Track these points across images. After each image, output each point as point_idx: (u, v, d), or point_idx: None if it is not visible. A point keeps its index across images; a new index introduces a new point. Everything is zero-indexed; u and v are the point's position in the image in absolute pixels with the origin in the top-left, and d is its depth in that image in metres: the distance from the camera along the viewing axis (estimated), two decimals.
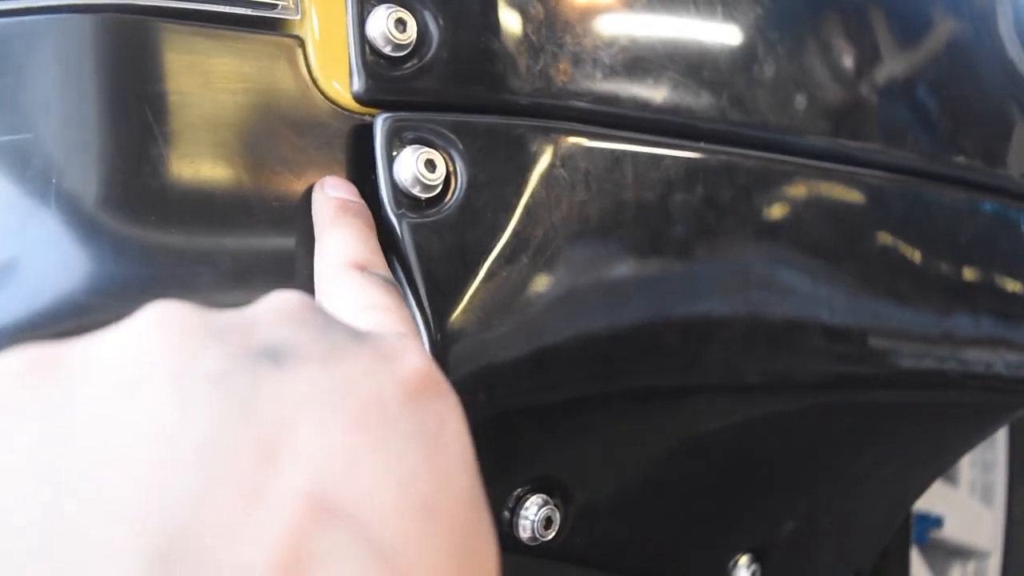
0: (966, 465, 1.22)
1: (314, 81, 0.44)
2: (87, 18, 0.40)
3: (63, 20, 0.40)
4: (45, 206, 0.38)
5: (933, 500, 1.17)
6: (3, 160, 0.40)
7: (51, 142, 0.39)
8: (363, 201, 0.43)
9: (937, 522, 1.17)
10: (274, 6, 0.44)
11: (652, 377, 0.53)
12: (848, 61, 0.63)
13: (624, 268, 0.50)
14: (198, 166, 0.40)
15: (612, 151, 0.50)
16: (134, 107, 0.39)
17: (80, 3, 0.40)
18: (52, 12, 0.40)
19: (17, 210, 0.38)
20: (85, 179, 0.38)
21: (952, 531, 1.19)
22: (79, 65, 0.40)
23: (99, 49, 0.40)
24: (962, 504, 1.21)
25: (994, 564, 1.22)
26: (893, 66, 0.66)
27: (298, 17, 0.44)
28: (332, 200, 0.42)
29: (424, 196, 0.44)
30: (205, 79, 0.41)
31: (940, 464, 0.82)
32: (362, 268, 0.38)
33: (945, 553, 1.23)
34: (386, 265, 0.40)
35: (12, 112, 0.40)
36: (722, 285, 0.55)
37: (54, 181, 0.38)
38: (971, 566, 1.24)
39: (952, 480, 1.22)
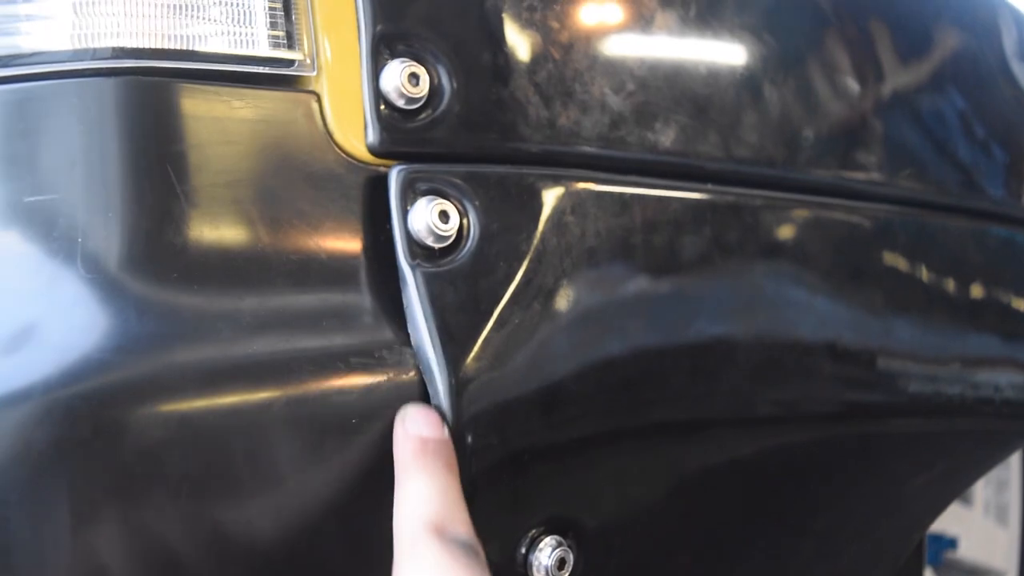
0: (980, 485, 1.22)
1: (330, 135, 0.46)
2: (110, 81, 0.41)
3: (86, 84, 0.41)
4: (71, 266, 0.39)
5: (947, 521, 1.17)
6: (29, 221, 0.41)
7: (76, 203, 0.40)
8: (444, 435, 0.42)
9: (952, 543, 1.17)
10: (291, 63, 0.45)
11: (662, 414, 0.53)
12: (853, 97, 0.64)
13: (634, 310, 0.51)
14: (218, 223, 0.41)
15: (621, 195, 0.51)
16: (156, 167, 0.41)
17: (103, 67, 0.41)
18: (76, 76, 0.41)
19: (43, 270, 0.39)
20: (109, 239, 0.40)
21: (967, 552, 1.19)
22: (102, 127, 0.41)
23: (122, 111, 0.41)
24: (977, 524, 1.21)
25: None
26: (897, 101, 0.67)
27: (314, 73, 0.45)
28: (412, 439, 0.41)
29: (438, 246, 0.45)
30: (225, 137, 0.43)
31: (953, 489, 0.82)
32: (442, 531, 0.39)
33: (960, 574, 1.23)
34: (467, 519, 0.41)
35: (37, 173, 0.41)
36: (730, 323, 0.55)
37: (79, 241, 0.39)
38: None
39: (967, 501, 1.22)
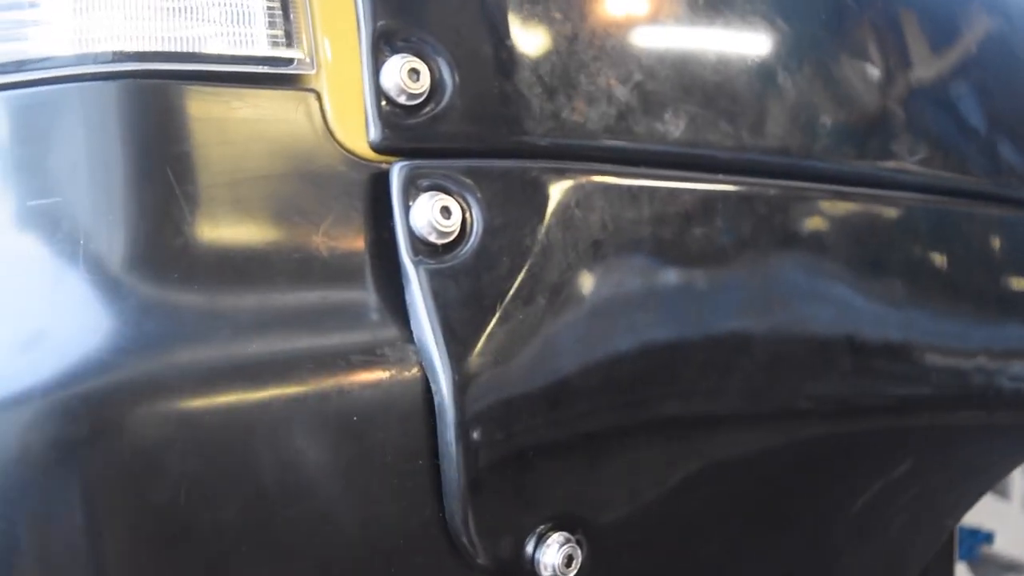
0: (1018, 479, 1.20)
1: (331, 132, 0.45)
2: (110, 85, 0.41)
3: (88, 88, 0.42)
4: (74, 268, 0.39)
5: (984, 515, 1.15)
6: (33, 224, 0.41)
7: (78, 206, 0.41)
8: None
9: (988, 538, 1.15)
10: (290, 62, 0.45)
11: (672, 410, 0.53)
12: (872, 82, 0.62)
13: (642, 303, 0.50)
14: (218, 223, 0.41)
15: (628, 188, 0.50)
16: (157, 169, 0.41)
17: (103, 71, 0.41)
18: (78, 80, 0.42)
19: (47, 272, 0.40)
20: (111, 241, 0.40)
21: (1003, 547, 1.16)
22: (103, 131, 0.41)
23: (122, 115, 0.41)
24: (1014, 519, 1.18)
25: None
26: (919, 86, 0.65)
27: (314, 71, 0.45)
28: None
29: (441, 242, 0.45)
30: (225, 137, 0.43)
31: (983, 483, 0.80)
32: None
33: (996, 568, 1.20)
34: None
35: (42, 177, 0.42)
36: (742, 315, 0.54)
37: (82, 243, 0.40)
38: None
39: (1003, 494, 1.19)
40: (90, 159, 0.41)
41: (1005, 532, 1.16)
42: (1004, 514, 1.17)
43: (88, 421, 0.36)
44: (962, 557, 1.08)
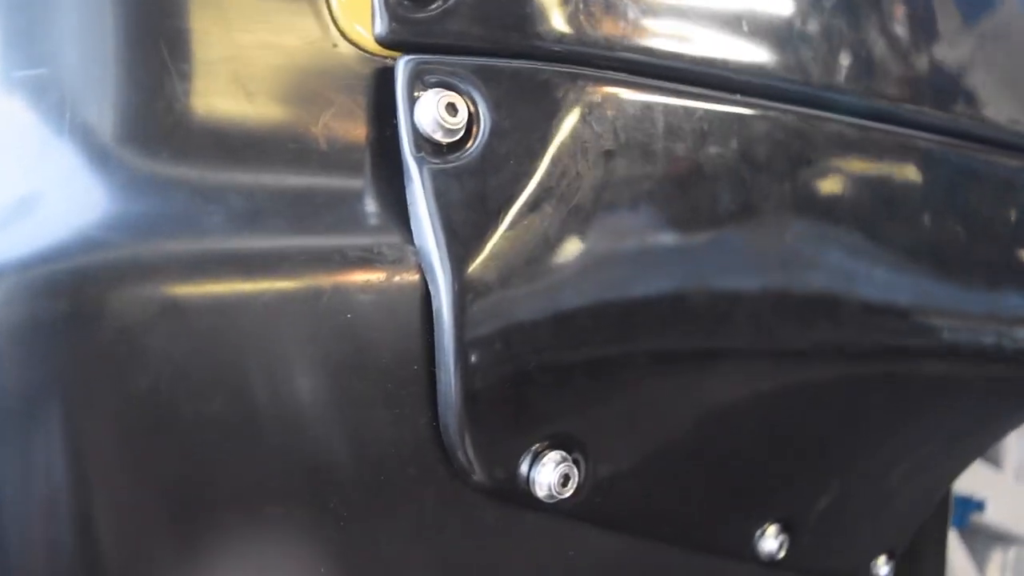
0: (1012, 447, 1.19)
1: (336, 23, 0.43)
2: None
3: None
4: (59, 139, 0.37)
5: (976, 483, 1.14)
6: (21, 95, 0.39)
7: (67, 76, 0.38)
8: None
9: (979, 506, 1.14)
10: None
11: (678, 339, 0.51)
12: (897, 17, 0.60)
13: (651, 224, 0.49)
14: (212, 103, 0.39)
15: (643, 101, 0.48)
16: (150, 42, 0.39)
17: None
18: None
19: (33, 144, 0.38)
20: (99, 113, 0.38)
21: (994, 516, 1.16)
22: (96, 1, 0.39)
23: None
24: (1006, 488, 1.17)
25: None
26: (945, 22, 0.63)
27: None
28: None
29: (445, 141, 0.43)
30: (224, 18, 0.40)
31: (981, 441, 0.79)
32: None
33: (986, 538, 1.20)
34: None
35: (30, 47, 0.39)
36: (754, 247, 0.53)
37: (67, 116, 0.38)
38: (1012, 552, 1.20)
39: (996, 463, 1.18)
40: (82, 29, 0.39)
41: (997, 501, 1.15)
42: (997, 483, 1.17)
43: (71, 298, 0.34)
44: (954, 524, 1.07)
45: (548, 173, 0.45)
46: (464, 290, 0.42)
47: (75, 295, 0.34)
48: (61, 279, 0.34)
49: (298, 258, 0.39)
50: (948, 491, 0.92)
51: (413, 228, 0.42)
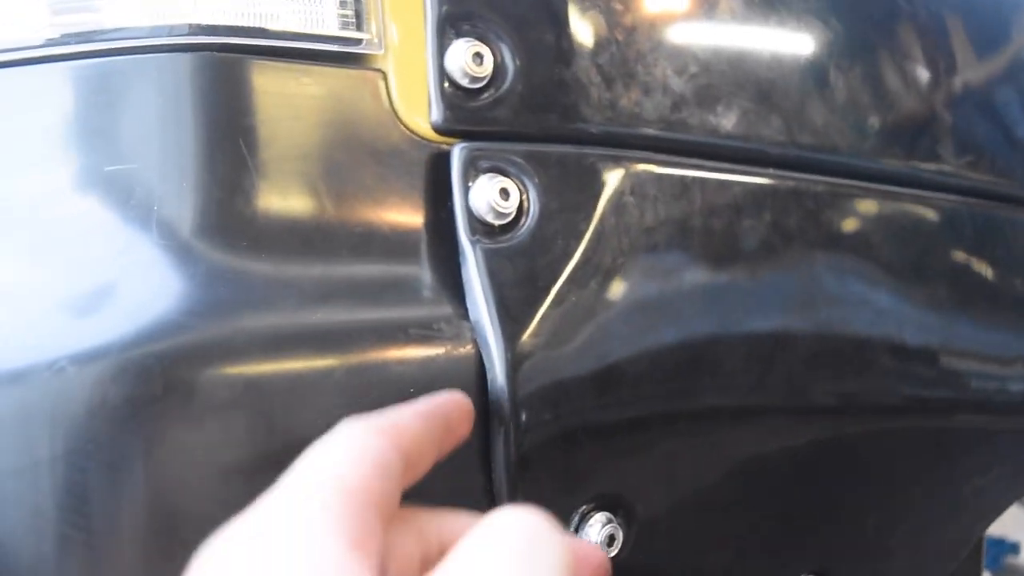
0: None
1: (395, 112, 0.47)
2: (187, 57, 0.43)
3: (164, 59, 0.43)
4: (146, 232, 0.41)
5: (1010, 525, 1.14)
6: (109, 188, 0.43)
7: (152, 173, 0.42)
8: None
9: (1013, 548, 1.15)
10: (359, 42, 0.46)
11: (717, 398, 0.53)
12: (920, 85, 0.63)
13: (690, 292, 0.51)
14: (286, 195, 0.43)
15: (681, 178, 0.51)
16: (229, 140, 0.42)
17: (179, 43, 0.43)
18: (154, 51, 0.43)
19: (120, 236, 0.41)
20: (183, 208, 0.41)
21: None
22: (179, 100, 0.43)
23: (197, 86, 0.42)
24: None
25: None
26: (968, 88, 0.66)
27: (381, 52, 0.46)
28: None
29: (498, 223, 0.46)
30: (295, 112, 0.44)
31: (1017, 489, 0.81)
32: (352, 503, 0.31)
33: None
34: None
35: (117, 144, 0.43)
36: (787, 309, 0.55)
37: (155, 208, 0.41)
38: None
39: None
40: (164, 128, 0.42)
41: None
42: None
43: (162, 379, 0.37)
44: (987, 567, 1.07)
45: (593, 250, 0.47)
46: (517, 362, 0.45)
47: (167, 377, 0.37)
48: (153, 362, 0.38)
49: (367, 335, 0.42)
50: (982, 535, 0.93)
51: (468, 304, 0.45)
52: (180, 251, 0.41)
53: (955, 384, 0.66)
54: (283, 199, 0.43)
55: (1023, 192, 0.68)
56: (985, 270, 0.66)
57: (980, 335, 0.67)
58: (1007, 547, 1.14)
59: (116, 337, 0.38)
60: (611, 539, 0.48)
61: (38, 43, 0.44)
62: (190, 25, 0.44)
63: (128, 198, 0.42)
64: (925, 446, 0.68)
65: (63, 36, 0.44)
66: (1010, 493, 0.79)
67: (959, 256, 0.65)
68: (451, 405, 0.39)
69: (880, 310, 0.60)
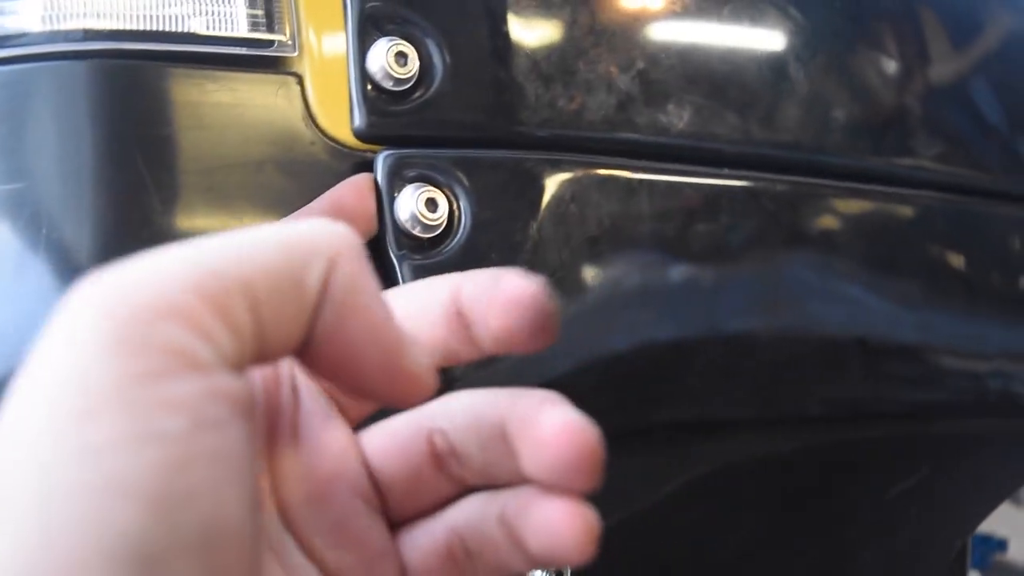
0: None
1: (313, 119, 0.43)
2: (80, 64, 0.39)
3: (56, 67, 0.39)
4: (34, 258, 0.37)
5: (997, 522, 1.12)
6: (3, 209, 0.39)
7: (44, 191, 0.39)
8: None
9: (1001, 545, 1.12)
10: (270, 43, 0.43)
11: (671, 414, 0.50)
12: (886, 76, 0.60)
13: (640, 303, 0.48)
14: (190, 215, 0.39)
15: (628, 181, 0.48)
16: (125, 154, 0.39)
17: (72, 50, 0.39)
18: (45, 59, 0.40)
19: (9, 262, 0.38)
20: (75, 230, 0.38)
21: (1016, 554, 1.13)
22: (71, 112, 0.39)
23: (90, 96, 0.39)
24: None
25: None
26: (932, 82, 0.62)
27: (295, 54, 0.43)
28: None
29: (426, 236, 0.43)
30: (199, 121, 0.41)
31: (996, 496, 0.78)
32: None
33: None
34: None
35: (15, 160, 0.40)
36: (748, 317, 0.52)
37: (44, 231, 0.38)
38: None
39: (1018, 501, 1.16)
40: (58, 142, 0.39)
41: (1019, 540, 1.13)
42: (1018, 521, 1.14)
43: None
44: (974, 565, 1.05)
45: (531, 263, 0.44)
46: (450, 384, 0.42)
47: None
48: None
49: None
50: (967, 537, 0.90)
51: None
52: (70, 277, 0.37)
53: (930, 386, 0.63)
54: (186, 220, 0.39)
55: (994, 185, 0.64)
56: (958, 266, 0.63)
57: (955, 333, 0.64)
58: (994, 544, 1.12)
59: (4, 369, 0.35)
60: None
61: None
62: (85, 30, 0.40)
63: (17, 219, 0.38)
64: (902, 452, 0.65)
65: None
66: (990, 499, 0.77)
67: (931, 252, 0.62)
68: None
69: (848, 312, 0.57)
